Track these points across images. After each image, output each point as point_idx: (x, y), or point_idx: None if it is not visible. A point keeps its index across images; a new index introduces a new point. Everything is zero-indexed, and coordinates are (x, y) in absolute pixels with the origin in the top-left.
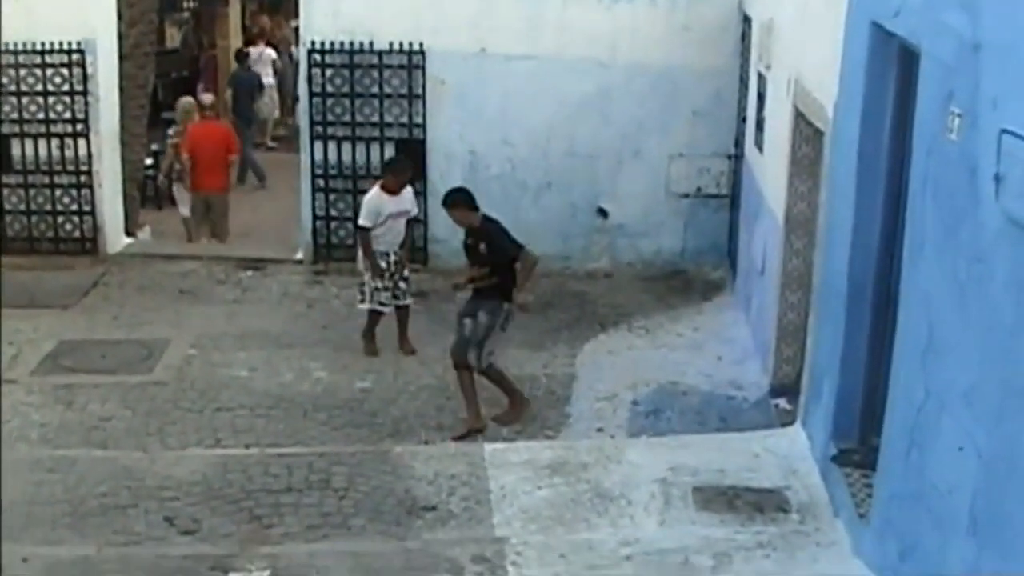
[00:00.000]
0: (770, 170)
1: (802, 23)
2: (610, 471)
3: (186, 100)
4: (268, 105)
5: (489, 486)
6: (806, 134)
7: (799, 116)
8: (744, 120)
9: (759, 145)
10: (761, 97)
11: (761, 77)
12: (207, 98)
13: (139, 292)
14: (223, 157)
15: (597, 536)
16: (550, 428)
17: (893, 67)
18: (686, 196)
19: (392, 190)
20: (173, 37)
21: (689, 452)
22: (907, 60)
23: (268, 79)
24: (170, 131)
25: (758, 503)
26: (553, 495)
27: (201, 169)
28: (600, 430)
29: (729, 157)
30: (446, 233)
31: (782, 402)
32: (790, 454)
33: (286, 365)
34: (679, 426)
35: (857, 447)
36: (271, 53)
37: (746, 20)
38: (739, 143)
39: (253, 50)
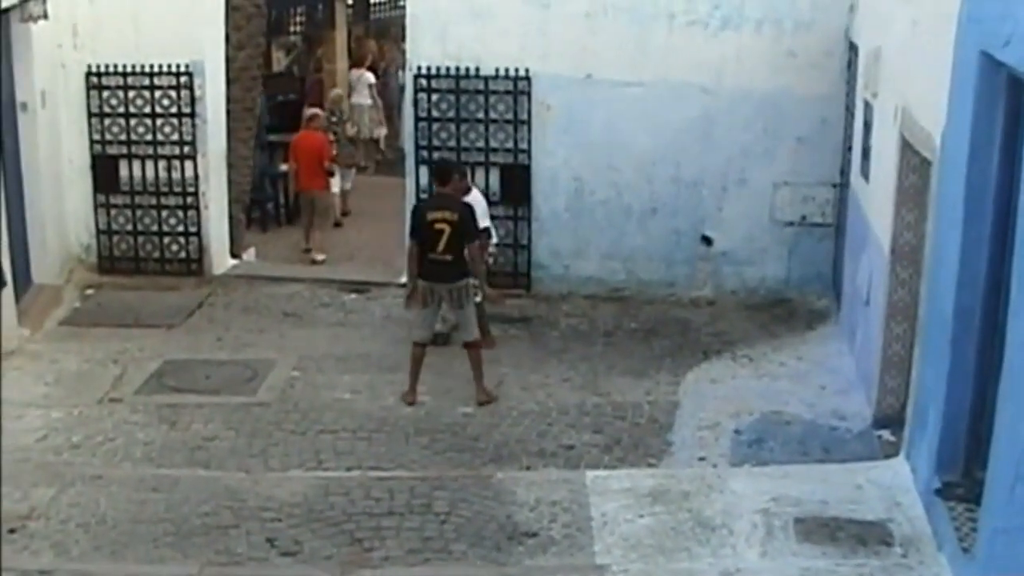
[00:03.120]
0: (876, 199)
1: (910, 51)
2: (712, 500)
3: (337, 91)
4: (368, 126)
5: (590, 513)
6: (913, 163)
7: (906, 145)
8: (850, 148)
9: (865, 174)
10: (867, 125)
11: (867, 105)
12: (310, 111)
13: (243, 313)
14: (317, 162)
15: (698, 566)
16: (652, 456)
17: (1002, 96)
18: (791, 224)
19: None
20: (279, 60)
21: (791, 482)
22: (1016, 89)
23: (367, 100)
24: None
25: (861, 535)
26: (654, 523)
27: (303, 172)
28: (702, 459)
29: (834, 185)
30: (548, 259)
31: (885, 433)
32: (893, 486)
33: (389, 388)
34: (782, 456)
35: (961, 480)
36: (369, 76)
37: (852, 48)
38: (844, 171)
39: (353, 72)
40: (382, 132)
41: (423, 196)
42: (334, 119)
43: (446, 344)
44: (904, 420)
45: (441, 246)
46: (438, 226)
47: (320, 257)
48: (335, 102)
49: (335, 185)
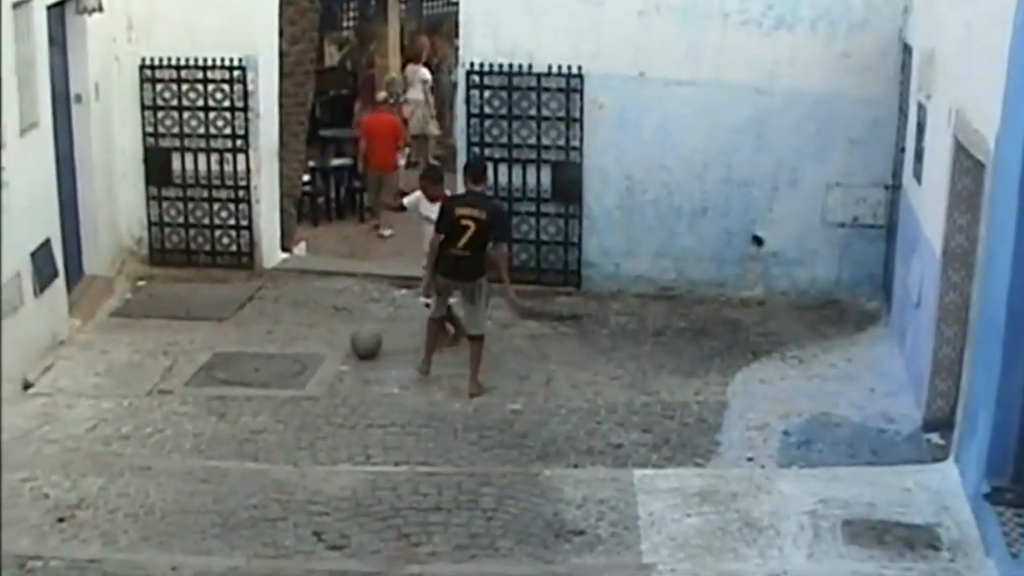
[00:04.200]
0: (928, 201)
1: (965, 54)
2: (760, 501)
3: (392, 75)
4: (420, 122)
5: (638, 512)
6: (966, 166)
7: (960, 147)
8: (902, 150)
9: (917, 176)
10: (920, 127)
11: (921, 107)
12: (382, 95)
13: (293, 307)
14: (392, 143)
15: (745, 567)
16: (700, 456)
17: None
18: (842, 225)
19: (431, 198)
20: (332, 56)
21: (840, 484)
22: None
23: (420, 96)
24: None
25: (908, 539)
26: (702, 523)
27: (374, 151)
28: (750, 459)
29: (886, 187)
30: (598, 257)
31: (935, 437)
32: (942, 490)
33: (437, 384)
34: (830, 458)
35: (1011, 485)
36: (425, 72)
37: (906, 49)
38: (897, 173)
39: (409, 68)
40: (434, 128)
41: None
42: (391, 101)
43: (455, 344)
44: (954, 424)
45: (463, 242)
46: (464, 222)
47: (387, 232)
48: (390, 85)
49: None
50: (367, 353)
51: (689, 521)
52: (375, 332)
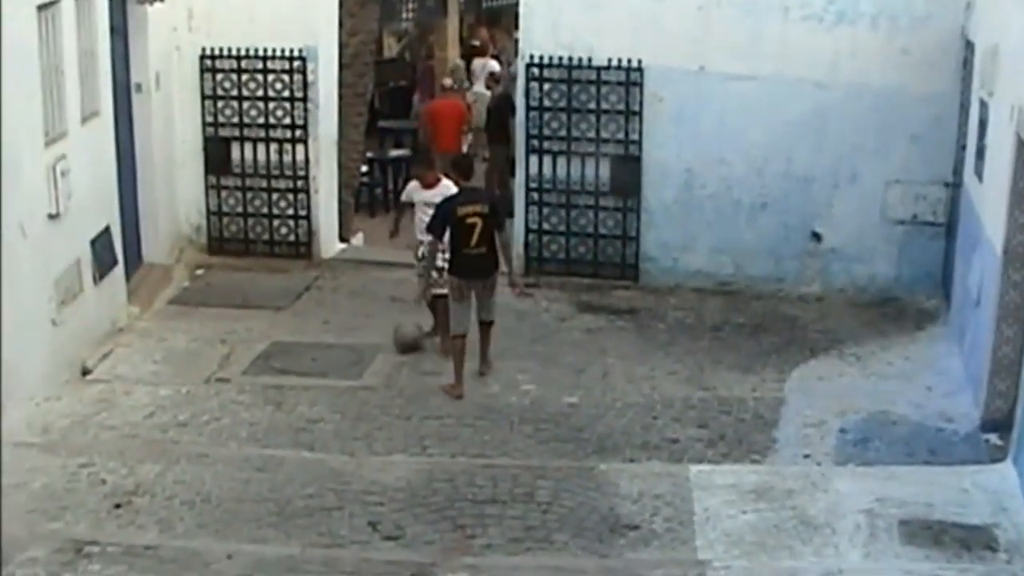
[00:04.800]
0: (989, 199)
1: None
2: (816, 499)
3: (456, 61)
4: (481, 115)
5: (693, 508)
6: None
7: (1022, 145)
8: (963, 147)
9: (979, 173)
10: (982, 124)
11: (983, 104)
12: (448, 81)
13: (351, 297)
14: (457, 127)
15: (800, 564)
16: (756, 452)
17: None
18: (901, 223)
19: (425, 183)
20: (391, 47)
21: (897, 484)
22: None
23: (482, 90)
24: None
25: (965, 540)
26: (757, 520)
27: (440, 134)
28: (807, 456)
29: (947, 185)
30: (656, 251)
31: (993, 437)
32: (1000, 491)
33: (494, 376)
34: (887, 456)
35: None
36: (493, 64)
37: (968, 46)
38: (957, 171)
39: (476, 62)
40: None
41: (532, 184)
42: (455, 88)
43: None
44: (1012, 424)
45: (474, 240)
46: (470, 220)
47: None
48: (455, 72)
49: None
50: (408, 347)
51: (744, 518)
52: (414, 327)
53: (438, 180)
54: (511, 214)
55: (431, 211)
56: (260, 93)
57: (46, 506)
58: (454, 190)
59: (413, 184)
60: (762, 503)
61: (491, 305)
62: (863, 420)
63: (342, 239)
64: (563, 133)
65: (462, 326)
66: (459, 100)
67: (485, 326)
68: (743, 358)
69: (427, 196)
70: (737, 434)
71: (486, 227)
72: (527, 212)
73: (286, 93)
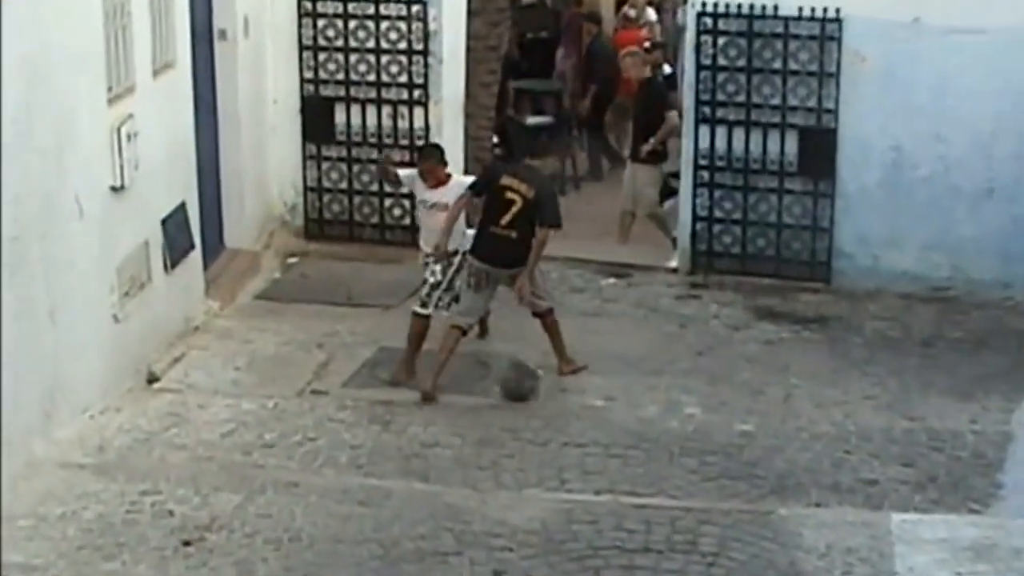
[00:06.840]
0: None
1: None
2: None
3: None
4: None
5: (895, 566)
6: None
7: None
8: None
9: None
10: None
11: None
12: (632, 12)
13: None
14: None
15: None
16: (976, 500)
17: None
18: None
19: (431, 180)
20: None
21: None
22: None
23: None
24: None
25: None
26: None
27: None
28: None
29: None
30: (854, 247)
31: None
32: None
33: (650, 396)
34: None
35: None
36: (651, 14)
37: None
38: None
39: (631, 12)
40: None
41: (703, 160)
42: (637, 20)
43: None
44: None
45: (507, 219)
46: (509, 195)
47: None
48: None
49: None
50: (518, 396)
51: None
52: (524, 370)
53: (448, 177)
54: (559, 224)
55: (436, 213)
56: (371, 44)
57: (100, 542)
58: (467, 185)
59: (410, 174)
60: (982, 563)
61: (536, 293)
62: None
63: (469, 224)
64: (741, 99)
65: (469, 317)
66: (643, 33)
67: (540, 318)
68: (960, 382)
69: (429, 196)
70: (951, 476)
71: (524, 211)
72: (695, 195)
73: (402, 45)
